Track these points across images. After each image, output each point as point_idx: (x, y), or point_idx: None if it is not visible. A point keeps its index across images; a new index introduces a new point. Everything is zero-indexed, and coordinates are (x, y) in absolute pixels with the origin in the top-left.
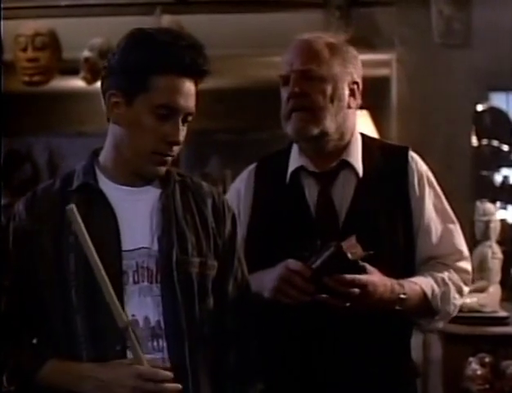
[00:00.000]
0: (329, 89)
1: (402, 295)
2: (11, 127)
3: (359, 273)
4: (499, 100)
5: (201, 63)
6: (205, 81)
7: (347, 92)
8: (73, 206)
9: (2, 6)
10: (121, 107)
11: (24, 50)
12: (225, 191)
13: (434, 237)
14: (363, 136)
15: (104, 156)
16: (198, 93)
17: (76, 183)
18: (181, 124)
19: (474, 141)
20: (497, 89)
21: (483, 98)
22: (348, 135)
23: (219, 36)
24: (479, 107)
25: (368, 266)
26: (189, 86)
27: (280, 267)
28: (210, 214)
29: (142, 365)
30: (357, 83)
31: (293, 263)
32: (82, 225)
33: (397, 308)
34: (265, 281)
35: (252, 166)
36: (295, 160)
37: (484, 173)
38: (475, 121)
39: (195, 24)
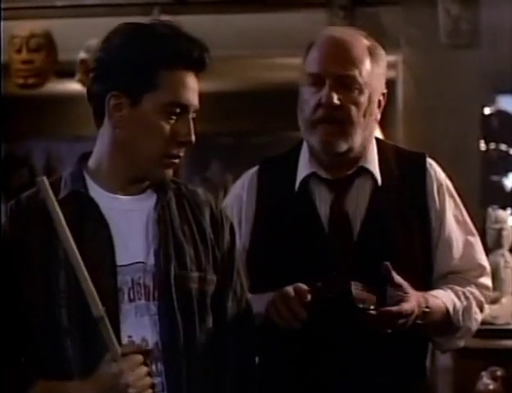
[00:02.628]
0: (364, 102)
1: (426, 309)
2: (8, 130)
3: (367, 319)
4: (506, 103)
5: (207, 56)
6: (206, 83)
7: (377, 104)
8: (44, 178)
9: (2, 6)
10: (124, 109)
11: (19, 51)
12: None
13: (455, 251)
14: (377, 140)
15: (96, 162)
16: (199, 96)
17: (64, 192)
18: (191, 121)
19: (483, 145)
20: (505, 92)
21: (491, 101)
22: (371, 138)
23: (219, 37)
24: (486, 110)
25: (409, 289)
26: (194, 80)
27: (289, 287)
28: (208, 224)
29: (118, 358)
30: (384, 93)
31: (299, 285)
32: (54, 200)
33: (419, 321)
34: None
35: (253, 170)
36: (306, 166)
37: (494, 178)
38: (482, 125)
39: (195, 24)
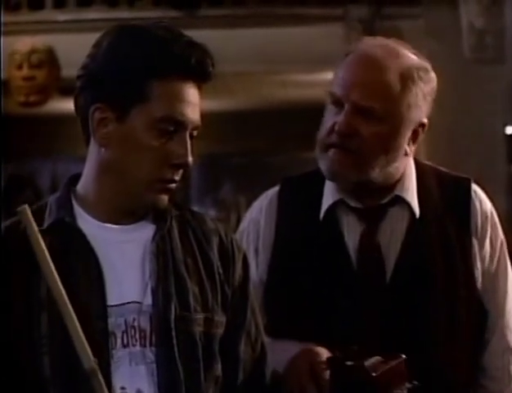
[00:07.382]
0: (387, 133)
1: None
2: (14, 151)
3: None
4: None
5: (209, 63)
6: (217, 101)
7: (408, 137)
8: (26, 207)
9: (2, 20)
10: (110, 124)
11: (20, 68)
12: (239, 220)
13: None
14: (416, 163)
15: (84, 186)
16: (209, 114)
17: (48, 221)
18: (189, 140)
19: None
20: None
21: None
22: (400, 172)
23: (231, 52)
24: (509, 130)
25: None
26: (194, 92)
27: (305, 354)
28: (216, 256)
29: None
30: (423, 124)
31: (320, 365)
32: (37, 230)
33: None
34: (288, 353)
35: (272, 192)
36: (332, 192)
37: None
38: (506, 144)
39: (206, 39)
